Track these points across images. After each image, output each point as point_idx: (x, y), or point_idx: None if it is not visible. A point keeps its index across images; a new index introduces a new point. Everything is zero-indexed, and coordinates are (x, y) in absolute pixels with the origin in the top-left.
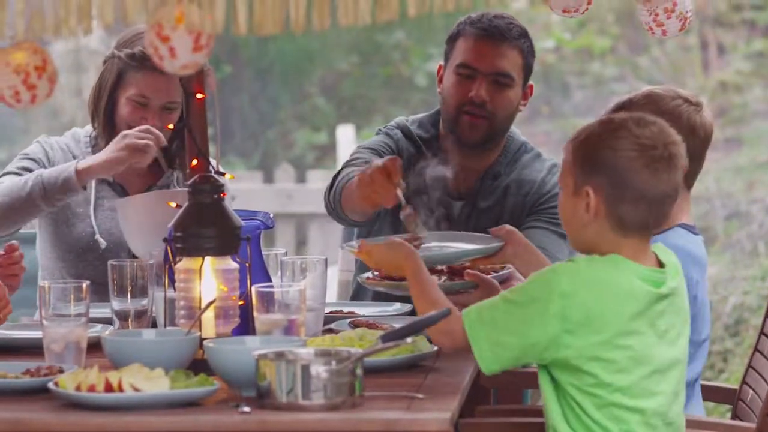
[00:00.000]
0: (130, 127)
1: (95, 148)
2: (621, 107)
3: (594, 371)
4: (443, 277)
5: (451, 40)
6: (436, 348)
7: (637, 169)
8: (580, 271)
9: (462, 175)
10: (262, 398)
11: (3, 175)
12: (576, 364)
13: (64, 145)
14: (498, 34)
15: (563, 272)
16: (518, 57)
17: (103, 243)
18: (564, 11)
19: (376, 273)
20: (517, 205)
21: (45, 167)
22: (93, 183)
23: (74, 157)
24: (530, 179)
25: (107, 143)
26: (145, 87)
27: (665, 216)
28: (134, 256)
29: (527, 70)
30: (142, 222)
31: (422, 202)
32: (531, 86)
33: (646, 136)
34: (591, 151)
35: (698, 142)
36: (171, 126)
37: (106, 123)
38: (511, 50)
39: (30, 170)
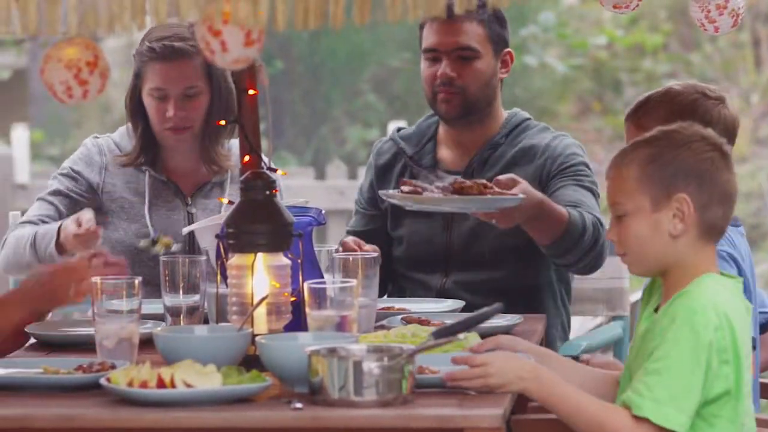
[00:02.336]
0: (160, 124)
1: None
2: (640, 105)
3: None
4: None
5: (420, 29)
6: None
7: (719, 168)
8: (712, 310)
9: (458, 152)
10: (314, 394)
11: (38, 199)
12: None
13: (114, 145)
14: (451, 12)
15: (701, 324)
16: (478, 28)
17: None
18: (615, 7)
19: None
20: (536, 170)
21: (75, 191)
22: (147, 182)
23: (114, 157)
24: (538, 144)
25: (141, 141)
26: (160, 78)
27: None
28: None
29: (495, 38)
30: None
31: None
32: (509, 53)
33: (711, 135)
34: (667, 159)
35: None
36: (223, 122)
37: (138, 121)
38: (467, 24)
39: (61, 192)
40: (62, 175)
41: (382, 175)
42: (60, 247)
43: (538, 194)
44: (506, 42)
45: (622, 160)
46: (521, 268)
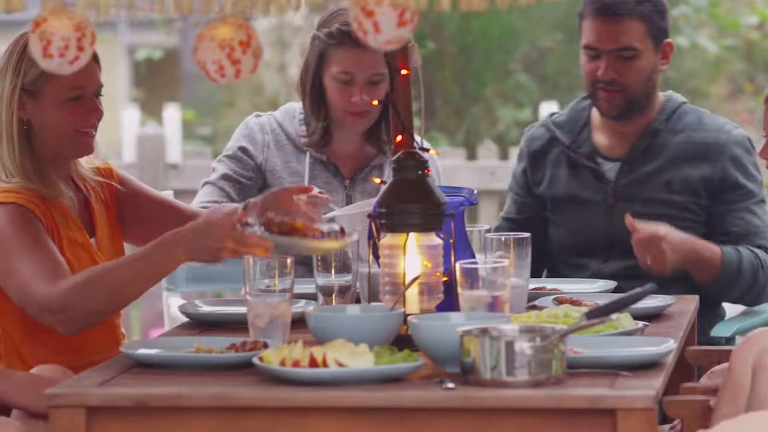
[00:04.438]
0: (341, 107)
1: (308, 127)
2: None
3: None
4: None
5: (579, 19)
6: (640, 324)
7: None
8: None
9: (616, 139)
10: (466, 374)
11: (204, 184)
12: None
13: (276, 125)
14: (613, 11)
15: None
16: (639, 25)
17: None
18: None
19: None
20: (708, 174)
21: (242, 174)
22: (307, 162)
23: (286, 136)
24: (712, 143)
25: (317, 123)
26: (347, 63)
27: None
28: None
29: (656, 32)
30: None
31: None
32: (669, 43)
33: None
34: None
35: None
36: (375, 102)
37: (314, 103)
38: (629, 22)
39: (229, 177)
40: (228, 157)
41: (535, 161)
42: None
43: (687, 244)
44: (666, 33)
45: None
46: None
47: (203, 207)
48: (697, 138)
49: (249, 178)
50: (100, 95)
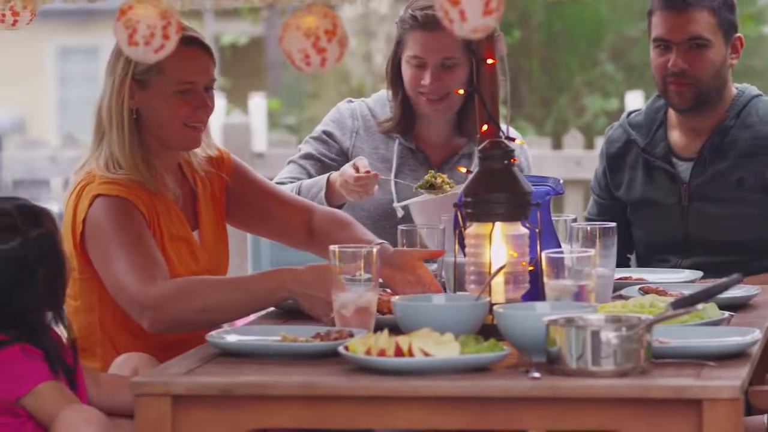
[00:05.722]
0: (414, 91)
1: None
2: None
3: None
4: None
5: (648, 15)
6: (726, 314)
7: None
8: None
9: (690, 137)
10: (552, 364)
11: (289, 162)
12: None
13: (367, 110)
14: (682, 1)
15: None
16: (708, 17)
17: (400, 212)
18: None
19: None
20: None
21: (326, 155)
22: (396, 150)
23: (376, 122)
24: None
25: (400, 108)
26: (419, 47)
27: None
28: None
29: (726, 25)
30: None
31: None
32: (739, 38)
33: None
34: None
35: None
36: (461, 91)
37: (393, 87)
38: (698, 13)
39: (312, 156)
40: (314, 138)
41: (613, 163)
42: (330, 196)
43: None
44: (736, 27)
45: None
46: (763, 255)
47: (281, 183)
48: (764, 132)
49: (332, 159)
50: (212, 89)
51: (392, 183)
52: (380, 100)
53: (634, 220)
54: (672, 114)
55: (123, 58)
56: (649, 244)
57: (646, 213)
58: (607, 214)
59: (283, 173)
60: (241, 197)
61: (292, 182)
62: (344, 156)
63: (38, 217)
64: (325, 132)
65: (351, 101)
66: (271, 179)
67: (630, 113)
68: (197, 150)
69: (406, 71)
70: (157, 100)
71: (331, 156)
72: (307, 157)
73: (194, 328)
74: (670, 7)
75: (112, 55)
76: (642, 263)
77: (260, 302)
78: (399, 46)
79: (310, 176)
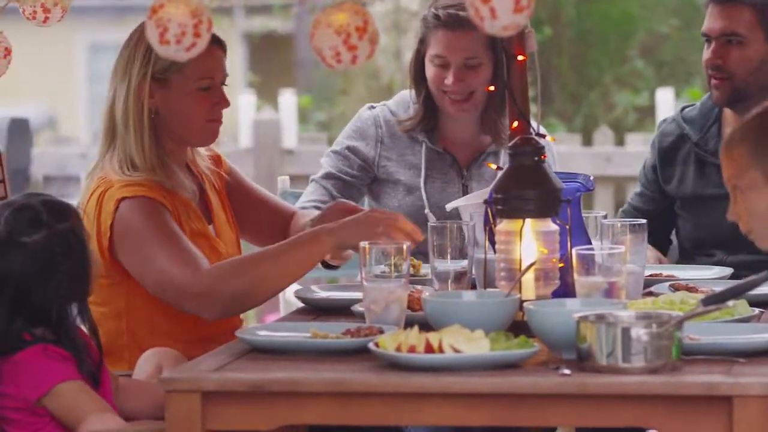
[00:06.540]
0: (437, 90)
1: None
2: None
3: None
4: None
5: (705, 8)
6: (757, 311)
7: None
8: None
9: None
10: (582, 360)
11: (311, 181)
12: None
13: (389, 114)
14: None
15: None
16: (748, 14)
17: (432, 218)
18: None
19: None
20: None
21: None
22: (423, 153)
23: (397, 121)
24: None
25: (423, 107)
26: (442, 46)
27: None
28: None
29: None
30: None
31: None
32: None
33: None
34: None
35: None
36: (492, 88)
37: (416, 86)
38: (738, 9)
39: (333, 176)
40: (335, 153)
41: (665, 157)
42: None
43: None
44: None
45: (728, 140)
46: None
47: (304, 207)
48: None
49: (353, 176)
50: (225, 84)
51: (422, 190)
52: (403, 102)
53: (683, 214)
54: (727, 111)
55: (139, 58)
56: (696, 238)
57: (696, 208)
58: (652, 206)
59: (305, 195)
60: (238, 198)
61: (314, 206)
62: (368, 167)
63: (64, 211)
64: (347, 147)
65: (372, 107)
66: (302, 176)
67: (684, 108)
68: (201, 149)
69: (430, 70)
70: (178, 97)
71: (352, 173)
72: (328, 176)
73: (251, 304)
74: (714, 1)
75: (123, 56)
76: (685, 257)
77: (307, 255)
78: (422, 44)
79: (332, 196)
